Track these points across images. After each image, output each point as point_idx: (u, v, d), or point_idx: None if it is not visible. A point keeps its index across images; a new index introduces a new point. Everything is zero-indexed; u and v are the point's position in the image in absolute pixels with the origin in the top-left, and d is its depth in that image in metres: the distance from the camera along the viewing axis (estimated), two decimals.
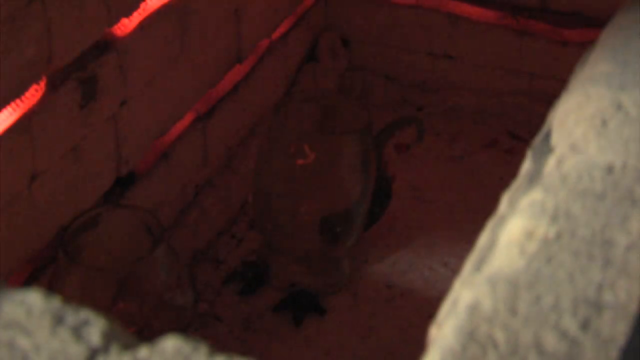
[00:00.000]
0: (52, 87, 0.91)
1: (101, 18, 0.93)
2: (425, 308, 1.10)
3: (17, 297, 0.41)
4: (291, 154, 1.09)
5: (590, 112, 0.62)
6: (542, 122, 0.66)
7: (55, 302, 0.41)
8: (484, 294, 0.46)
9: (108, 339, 0.39)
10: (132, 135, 1.04)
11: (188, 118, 1.18)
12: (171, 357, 0.39)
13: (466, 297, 0.46)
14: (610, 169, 0.55)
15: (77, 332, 0.39)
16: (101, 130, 0.99)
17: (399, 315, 1.13)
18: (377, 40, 1.46)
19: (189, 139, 1.17)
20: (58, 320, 0.40)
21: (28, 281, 0.93)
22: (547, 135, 0.61)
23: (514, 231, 0.51)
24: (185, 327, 0.94)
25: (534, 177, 0.57)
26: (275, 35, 1.35)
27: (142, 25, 1.01)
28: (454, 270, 1.09)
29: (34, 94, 0.88)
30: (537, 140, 0.62)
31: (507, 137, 1.42)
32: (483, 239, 0.54)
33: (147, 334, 0.87)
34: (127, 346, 0.39)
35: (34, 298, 0.41)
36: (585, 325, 0.43)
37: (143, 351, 0.39)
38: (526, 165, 0.60)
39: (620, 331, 0.42)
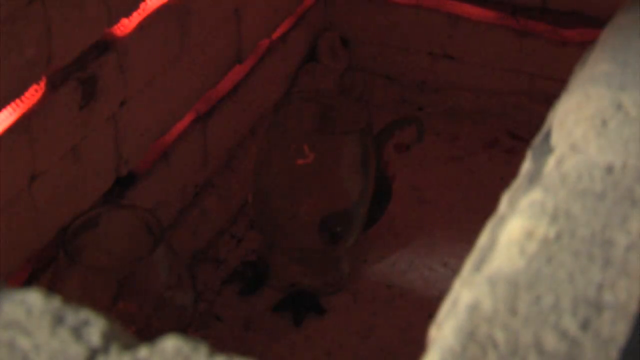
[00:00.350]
0: (52, 87, 0.91)
1: (101, 18, 0.93)
2: (425, 308, 1.09)
3: (17, 297, 0.41)
4: (291, 154, 1.09)
5: (590, 112, 0.62)
6: (542, 122, 0.66)
7: (55, 302, 0.41)
8: (484, 294, 0.46)
9: (108, 339, 0.39)
10: (132, 135, 1.04)
11: (188, 118, 1.18)
12: (171, 357, 0.39)
13: (466, 297, 0.46)
14: (610, 169, 0.55)
15: (77, 332, 0.39)
16: (101, 130, 0.99)
17: (399, 315, 1.13)
18: (377, 40, 1.46)
19: (189, 139, 1.17)
20: (58, 320, 0.40)
21: (28, 281, 0.93)
22: (547, 135, 0.61)
23: (514, 231, 0.51)
24: (185, 327, 0.94)
25: (534, 177, 0.57)
26: (275, 35, 1.35)
27: (142, 25, 1.01)
28: (454, 270, 1.09)
29: (34, 94, 0.88)
30: (537, 140, 0.62)
31: (507, 137, 1.42)
32: (483, 239, 0.54)
33: (147, 334, 0.87)
34: (127, 346, 0.39)
35: (34, 298, 0.41)
36: (585, 325, 0.43)
37: (143, 351, 0.39)
38: (526, 165, 0.60)
39: (620, 331, 0.42)
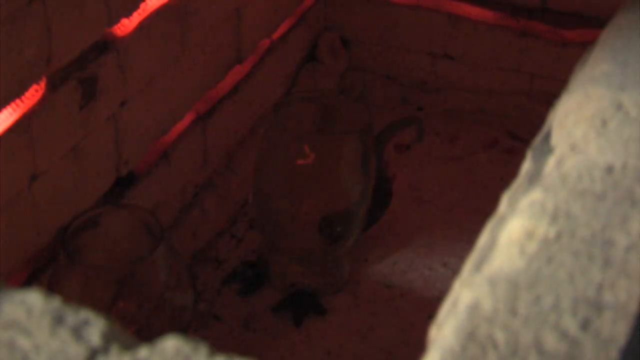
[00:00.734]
0: (52, 87, 0.91)
1: (101, 18, 0.93)
2: (425, 308, 1.10)
3: (17, 297, 0.41)
4: (291, 154, 1.09)
5: (590, 112, 0.62)
6: (542, 122, 0.66)
7: (55, 302, 0.41)
8: (484, 294, 0.46)
9: (108, 339, 0.39)
10: (132, 135, 1.04)
11: (188, 118, 1.18)
12: (171, 357, 0.39)
13: (466, 297, 0.46)
14: (610, 169, 0.55)
15: (77, 332, 0.39)
16: (101, 131, 0.99)
17: (399, 315, 1.13)
18: (377, 40, 1.46)
19: (189, 139, 1.17)
20: (58, 320, 0.40)
21: (28, 281, 0.93)
22: (547, 136, 0.61)
23: (514, 231, 0.51)
24: (185, 327, 0.94)
25: (534, 177, 0.57)
26: (275, 35, 1.35)
27: (142, 25, 1.01)
28: (454, 270, 1.09)
29: (34, 94, 0.88)
30: (537, 140, 0.62)
31: (507, 137, 1.42)
32: (483, 239, 0.54)
33: (147, 334, 0.87)
34: (127, 346, 0.39)
35: (34, 298, 0.41)
36: (585, 326, 0.43)
37: (143, 351, 0.39)
38: (526, 165, 0.60)
39: (620, 331, 0.42)
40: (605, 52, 0.71)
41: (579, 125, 0.61)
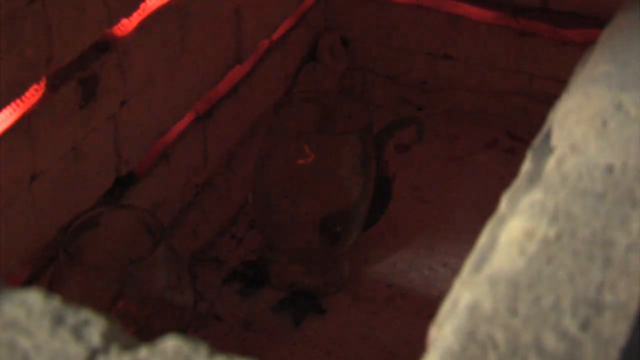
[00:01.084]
0: (52, 87, 0.91)
1: (101, 18, 0.93)
2: (425, 308, 1.10)
3: (17, 297, 0.41)
4: (291, 154, 1.09)
5: (590, 112, 0.62)
6: (542, 122, 0.66)
7: (55, 302, 0.41)
8: (484, 294, 0.46)
9: (108, 339, 0.39)
10: (132, 135, 1.04)
11: (188, 118, 1.18)
12: (171, 357, 0.39)
13: (466, 297, 0.46)
14: (610, 169, 0.55)
15: (77, 332, 0.39)
16: (101, 130, 0.99)
17: (399, 315, 1.13)
18: (377, 40, 1.46)
19: (189, 139, 1.17)
20: (58, 320, 0.40)
21: (28, 281, 0.93)
22: (547, 136, 0.61)
23: (514, 231, 0.51)
24: (185, 327, 0.94)
25: (534, 177, 0.57)
26: (275, 35, 1.35)
27: (142, 25, 1.01)
28: (454, 270, 1.09)
29: (34, 94, 0.88)
30: (537, 140, 0.62)
31: (507, 137, 1.42)
32: (483, 239, 0.54)
33: (147, 334, 0.87)
34: (127, 346, 0.39)
35: (34, 298, 0.41)
36: (585, 326, 0.43)
37: (143, 351, 0.39)
38: (526, 165, 0.60)
39: (620, 331, 0.42)
40: (605, 52, 0.71)
41: (579, 125, 0.61)
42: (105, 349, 0.39)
